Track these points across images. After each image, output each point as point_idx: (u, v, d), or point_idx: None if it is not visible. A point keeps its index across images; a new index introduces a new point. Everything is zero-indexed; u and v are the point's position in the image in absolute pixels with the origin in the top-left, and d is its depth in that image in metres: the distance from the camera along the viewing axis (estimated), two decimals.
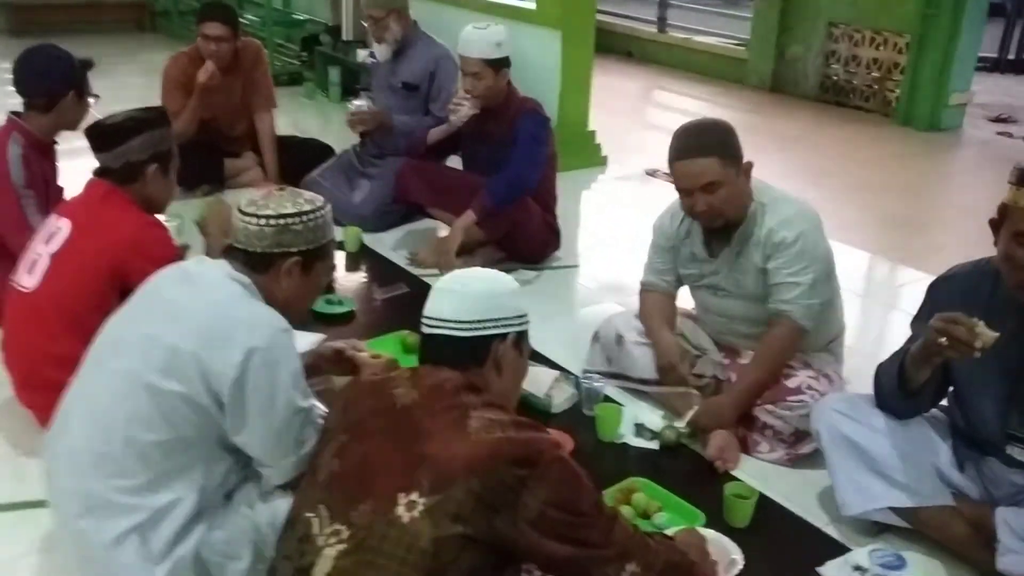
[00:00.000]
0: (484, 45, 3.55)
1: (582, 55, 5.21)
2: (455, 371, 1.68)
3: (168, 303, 1.89)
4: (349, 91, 6.63)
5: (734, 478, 2.44)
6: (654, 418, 2.72)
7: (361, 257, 3.91)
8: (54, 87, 3.06)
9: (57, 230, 2.51)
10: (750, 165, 2.58)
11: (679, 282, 2.86)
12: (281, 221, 1.91)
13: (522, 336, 1.80)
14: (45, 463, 1.93)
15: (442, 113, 4.18)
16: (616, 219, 4.66)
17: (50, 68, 3.08)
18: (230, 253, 1.97)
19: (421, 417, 1.60)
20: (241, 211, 1.94)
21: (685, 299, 2.93)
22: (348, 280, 3.73)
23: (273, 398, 1.82)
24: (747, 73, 8.55)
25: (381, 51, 4.22)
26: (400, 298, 3.52)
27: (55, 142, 3.22)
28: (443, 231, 4.07)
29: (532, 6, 5.32)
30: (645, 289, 2.89)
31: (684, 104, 8.05)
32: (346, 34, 6.65)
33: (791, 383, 2.56)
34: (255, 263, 1.93)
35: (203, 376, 1.78)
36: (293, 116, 6.09)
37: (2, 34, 8.71)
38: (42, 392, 2.46)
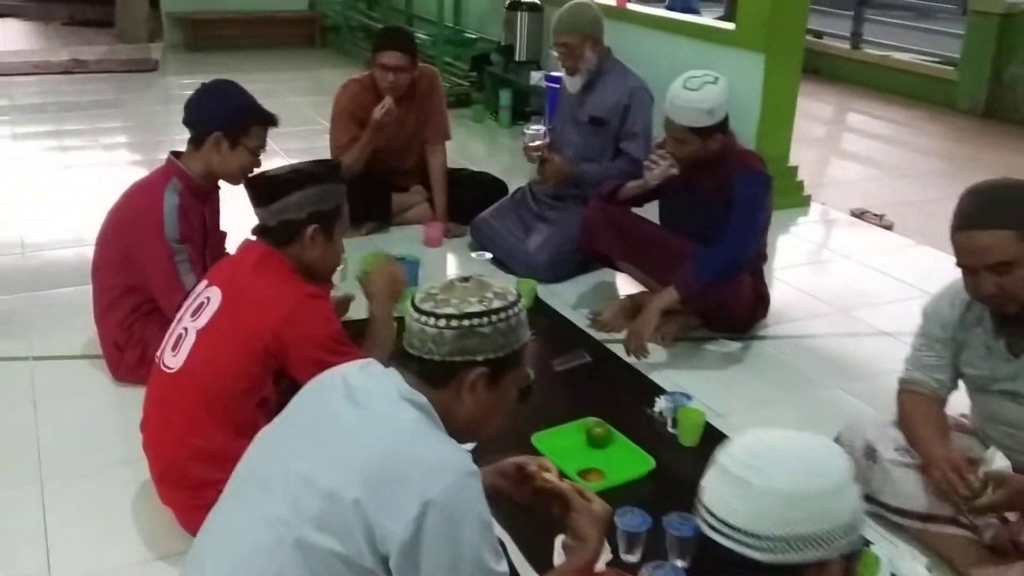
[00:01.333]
0: (693, 112, 2.97)
1: (787, 82, 4.60)
2: None
3: (326, 430, 1.49)
4: (520, 115, 6.25)
5: None
6: (918, 568, 2.12)
7: (536, 314, 3.44)
8: (204, 121, 2.75)
9: (206, 301, 2.17)
10: None
11: (954, 383, 2.26)
12: (465, 322, 1.48)
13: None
14: None
15: (636, 153, 3.69)
16: (829, 274, 4.02)
17: (210, 101, 2.77)
18: (402, 361, 1.55)
19: None
20: (415, 307, 1.53)
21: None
22: None
23: (455, 563, 1.40)
24: (956, 96, 7.65)
25: (571, 82, 3.74)
26: (581, 369, 3.03)
27: (217, 187, 2.91)
28: (629, 285, 3.57)
29: (732, 26, 4.75)
30: (908, 389, 2.27)
31: (883, 130, 7.26)
32: (519, 55, 6.26)
33: None
34: (432, 374, 1.51)
35: (367, 532, 1.38)
36: (460, 140, 5.72)
37: (178, 48, 8.83)
38: (181, 491, 2.14)
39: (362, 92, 4.03)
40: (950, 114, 7.57)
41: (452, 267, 3.90)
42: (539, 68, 6.20)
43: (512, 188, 4.30)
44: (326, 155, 4.93)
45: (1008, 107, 7.32)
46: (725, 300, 3.07)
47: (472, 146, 5.83)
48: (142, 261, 2.74)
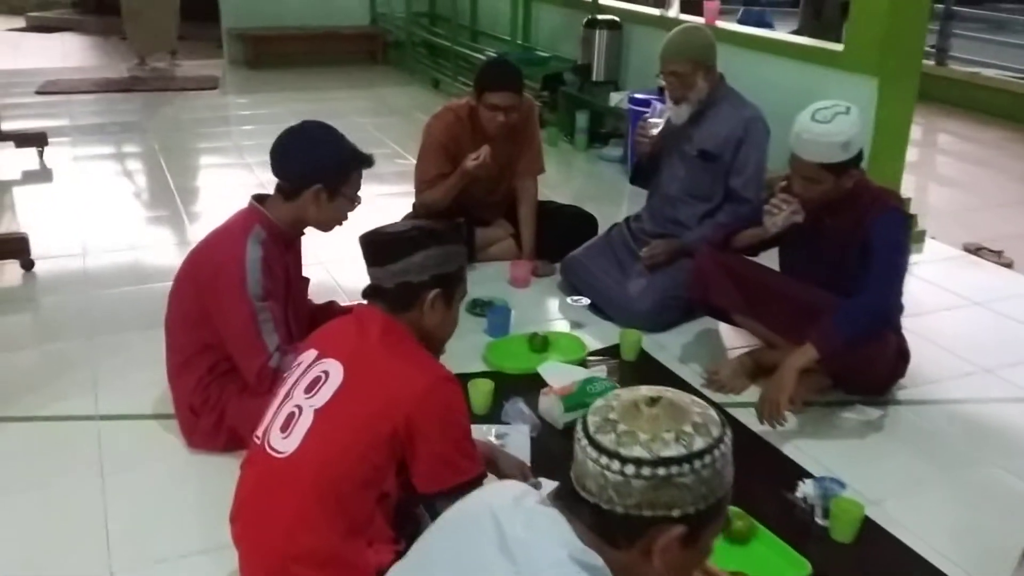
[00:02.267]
0: (825, 147, 2.62)
1: (902, 109, 4.24)
2: None
3: None
4: (597, 137, 5.94)
5: None
6: None
7: (642, 371, 3.11)
8: (300, 175, 2.48)
9: (323, 376, 1.89)
10: None
11: None
12: (660, 470, 1.15)
13: None
14: None
15: (748, 192, 3.37)
16: (961, 323, 3.61)
17: (302, 151, 2.50)
18: (571, 504, 1.22)
19: None
20: (590, 438, 1.20)
21: None
22: None
23: None
24: None
25: (677, 112, 3.41)
26: None
27: (302, 232, 2.64)
28: (741, 336, 3.23)
29: (839, 47, 4.40)
30: None
31: (975, 152, 6.84)
32: (597, 74, 5.95)
33: None
34: (612, 530, 1.19)
35: None
36: None
37: (239, 65, 8.66)
38: None
39: (456, 123, 3.74)
40: None
41: (544, 312, 3.59)
42: (617, 88, 5.90)
43: (601, 222, 4.01)
44: (398, 182, 4.70)
45: None
46: (868, 358, 2.72)
47: (546, 170, 5.51)
48: (220, 319, 2.47)
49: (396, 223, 2.08)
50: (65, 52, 9.81)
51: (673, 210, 3.54)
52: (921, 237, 4.46)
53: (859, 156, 2.69)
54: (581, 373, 2.85)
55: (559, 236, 3.95)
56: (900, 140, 4.31)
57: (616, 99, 5.58)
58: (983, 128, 7.43)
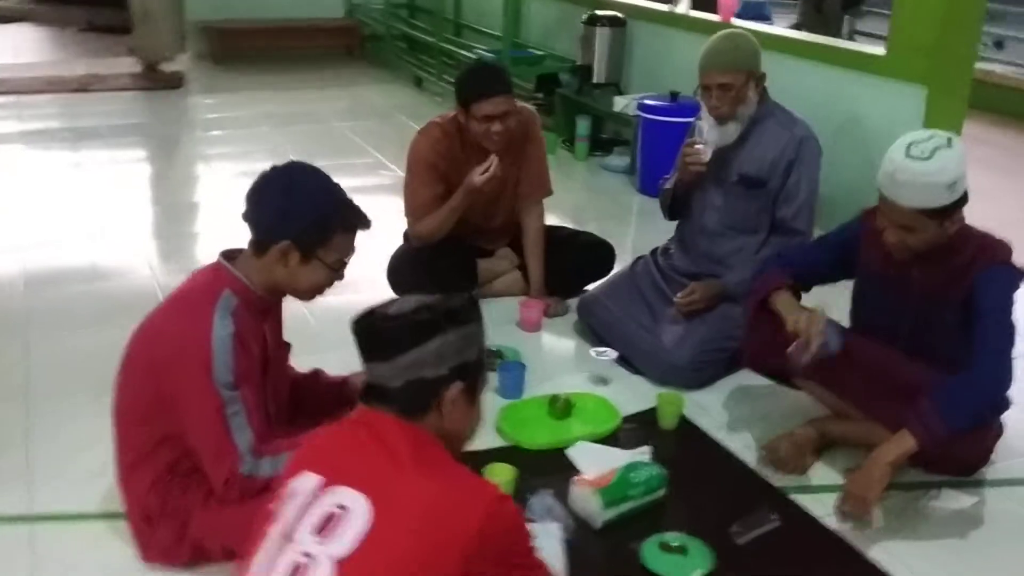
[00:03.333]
0: (927, 189, 2.15)
1: (953, 121, 3.78)
2: None
3: None
4: (598, 145, 5.45)
5: None
6: None
7: (685, 444, 2.65)
8: (271, 225, 1.99)
9: (339, 513, 1.43)
10: None
11: None
12: None
13: None
14: None
15: (799, 225, 2.91)
16: None
17: (281, 196, 1.99)
18: None
19: None
20: None
21: None
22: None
23: None
24: None
25: (725, 132, 2.90)
26: (769, 538, 2.23)
27: (283, 296, 2.14)
28: (802, 398, 2.76)
29: (880, 51, 3.94)
30: None
31: (997, 158, 6.42)
32: (598, 76, 5.46)
33: None
34: None
35: None
36: None
37: (204, 60, 8.07)
38: None
39: (444, 138, 3.24)
40: None
41: (561, 364, 3.10)
42: (620, 92, 5.41)
43: (610, 242, 3.58)
44: (385, 197, 4.18)
45: None
46: (966, 442, 2.27)
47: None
48: (181, 411, 1.97)
49: (395, 301, 1.59)
50: (17, 46, 9.15)
51: (711, 245, 3.06)
52: None
53: (964, 197, 2.23)
54: (619, 456, 2.38)
55: (572, 268, 3.48)
56: None
57: (621, 104, 5.09)
58: (1000, 130, 7.02)
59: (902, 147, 2.20)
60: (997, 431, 2.44)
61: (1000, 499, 2.44)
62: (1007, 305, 2.23)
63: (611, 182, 5.12)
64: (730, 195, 3.00)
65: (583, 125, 5.35)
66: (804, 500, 2.38)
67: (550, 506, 2.23)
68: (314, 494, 1.48)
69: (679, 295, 2.99)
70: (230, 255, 2.08)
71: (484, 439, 2.51)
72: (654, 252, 3.27)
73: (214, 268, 2.07)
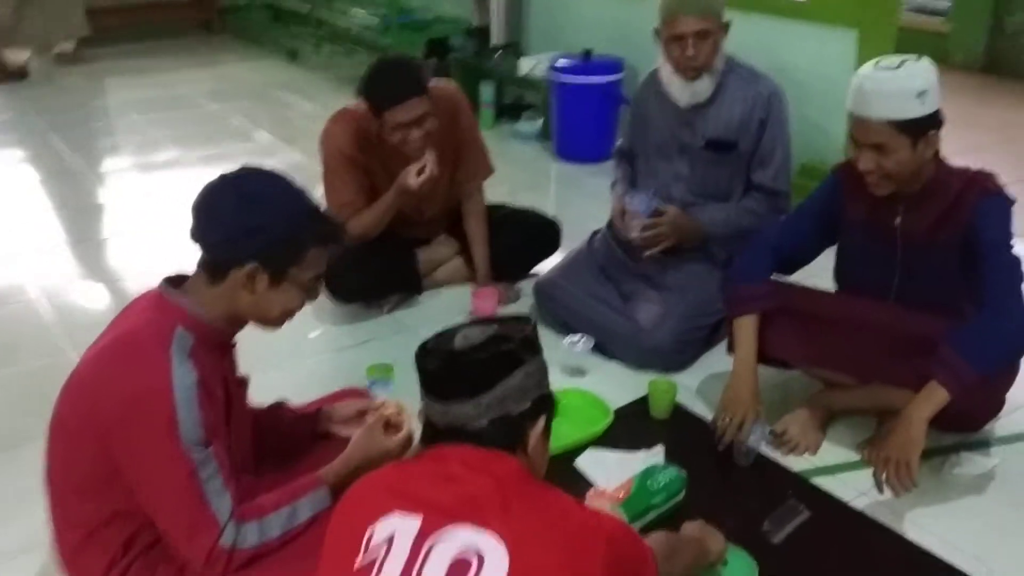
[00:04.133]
0: (897, 97, 2.02)
1: None
2: None
3: None
4: (505, 111, 5.17)
5: None
6: None
7: (678, 431, 2.45)
8: (230, 244, 1.64)
9: (474, 563, 1.21)
10: None
11: None
12: None
13: None
14: None
15: (779, 185, 2.73)
16: None
17: (240, 210, 1.63)
18: None
19: None
20: None
21: None
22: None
23: None
24: (949, 50, 6.95)
25: (691, 90, 2.67)
26: (804, 530, 2.06)
27: (241, 326, 1.79)
28: (797, 382, 2.59)
29: None
30: None
31: None
32: (496, 37, 5.16)
33: None
34: None
35: None
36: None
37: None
38: None
39: (360, 132, 2.87)
40: (944, 70, 6.80)
41: None
42: (518, 53, 5.13)
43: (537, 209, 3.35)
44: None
45: (1010, 60, 6.69)
46: (992, 390, 2.16)
47: None
48: (140, 481, 1.61)
49: (454, 332, 1.37)
50: None
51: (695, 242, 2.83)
52: None
53: (938, 118, 2.09)
54: (632, 462, 2.15)
55: (516, 250, 3.22)
56: None
57: (527, 66, 4.81)
58: None
59: (871, 64, 2.13)
60: (1011, 378, 2.34)
61: (1016, 456, 2.35)
62: (1007, 237, 2.12)
63: (524, 149, 4.85)
64: (697, 162, 2.78)
65: (487, 91, 5.04)
66: (824, 483, 2.22)
67: None
68: (424, 538, 1.24)
69: (641, 231, 2.72)
70: (175, 281, 1.72)
71: None
72: (611, 225, 3.03)
73: (156, 299, 1.70)
